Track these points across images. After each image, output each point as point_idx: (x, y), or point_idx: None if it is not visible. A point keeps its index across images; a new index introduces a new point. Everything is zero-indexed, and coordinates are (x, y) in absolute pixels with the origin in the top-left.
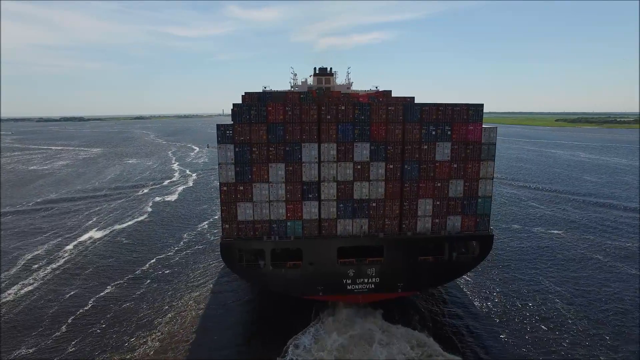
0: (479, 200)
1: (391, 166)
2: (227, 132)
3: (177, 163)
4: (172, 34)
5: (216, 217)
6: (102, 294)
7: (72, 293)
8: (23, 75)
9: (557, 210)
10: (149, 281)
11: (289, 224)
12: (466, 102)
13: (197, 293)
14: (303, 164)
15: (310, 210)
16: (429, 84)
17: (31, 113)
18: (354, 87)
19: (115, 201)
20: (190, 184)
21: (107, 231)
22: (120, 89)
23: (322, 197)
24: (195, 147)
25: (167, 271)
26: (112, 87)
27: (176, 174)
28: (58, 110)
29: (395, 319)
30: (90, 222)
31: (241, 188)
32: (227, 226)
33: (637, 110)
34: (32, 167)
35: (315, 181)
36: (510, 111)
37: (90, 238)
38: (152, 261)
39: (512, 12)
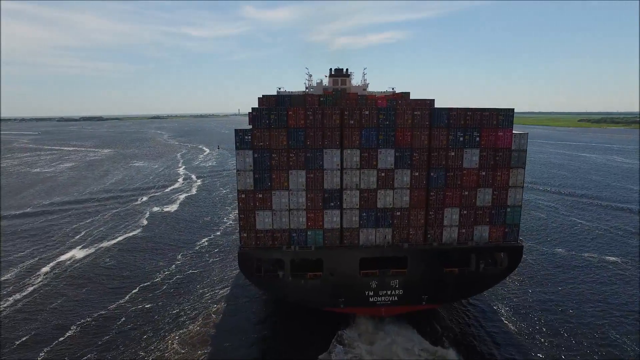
0: (508, 209)
1: (416, 174)
2: (246, 137)
3: (184, 167)
4: (186, 34)
5: (218, 234)
6: (61, 339)
7: (24, 338)
8: (42, 75)
9: (599, 223)
10: (123, 319)
11: (309, 233)
12: (480, 102)
13: (182, 332)
14: (325, 171)
15: (331, 219)
16: (444, 84)
17: (53, 113)
18: (370, 89)
19: (110, 211)
20: (194, 191)
21: (91, 249)
22: (137, 89)
23: (344, 205)
24: (206, 149)
25: (148, 305)
26: (129, 88)
27: (180, 180)
28: (79, 110)
29: (418, 331)
30: (76, 237)
31: (260, 196)
32: (245, 235)
33: None
34: (35, 170)
35: (337, 189)
36: (529, 111)
37: (70, 258)
38: (134, 291)
39: (526, 11)
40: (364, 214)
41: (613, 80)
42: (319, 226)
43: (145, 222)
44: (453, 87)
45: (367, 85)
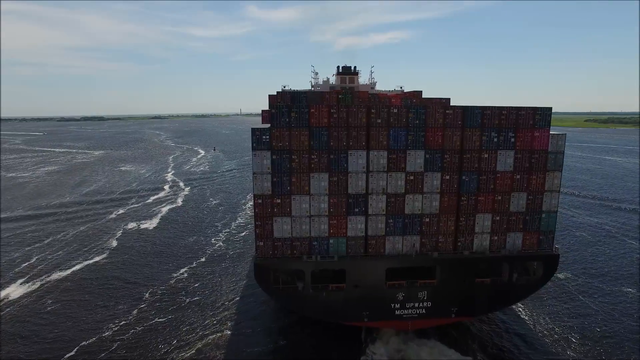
0: (543, 215)
1: (447, 177)
2: (264, 137)
3: (173, 172)
4: (191, 35)
5: (202, 260)
6: None
7: None
8: (47, 75)
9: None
10: None
11: (331, 241)
12: (480, 102)
13: None
14: (349, 174)
15: (355, 226)
16: (445, 83)
17: (55, 113)
18: (378, 87)
19: (77, 227)
20: (180, 202)
21: (37, 284)
22: (140, 88)
23: (370, 211)
24: (201, 151)
25: None
26: (132, 87)
27: (167, 187)
28: (82, 110)
29: (448, 343)
30: (25, 264)
31: (278, 201)
32: (261, 244)
33: None
34: (10, 175)
35: (362, 193)
36: None
37: (4, 298)
38: (71, 355)
39: (529, 11)
40: (391, 221)
41: (614, 81)
42: (342, 234)
43: (114, 244)
44: (455, 87)
45: (375, 83)
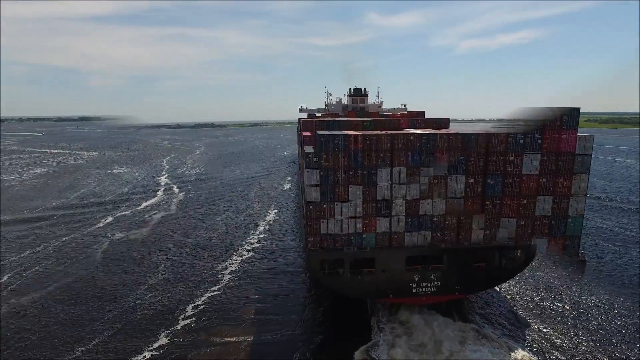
0: (569, 220)
1: (472, 180)
2: (315, 158)
3: (168, 174)
4: (312, 44)
5: (200, 278)
6: None
7: None
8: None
9: None
10: None
11: (364, 236)
12: (479, 102)
13: None
14: (378, 186)
15: (383, 224)
16: (440, 94)
17: (53, 113)
18: (384, 106)
19: (59, 238)
20: (173, 208)
21: (4, 308)
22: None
23: (393, 213)
24: (200, 159)
25: None
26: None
27: (160, 192)
28: (80, 110)
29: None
30: None
31: (325, 206)
32: (311, 239)
33: None
34: None
35: (387, 200)
36: None
37: None
38: None
39: (529, 11)
40: (409, 220)
41: (614, 81)
42: (373, 230)
43: (100, 258)
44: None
45: (381, 103)
